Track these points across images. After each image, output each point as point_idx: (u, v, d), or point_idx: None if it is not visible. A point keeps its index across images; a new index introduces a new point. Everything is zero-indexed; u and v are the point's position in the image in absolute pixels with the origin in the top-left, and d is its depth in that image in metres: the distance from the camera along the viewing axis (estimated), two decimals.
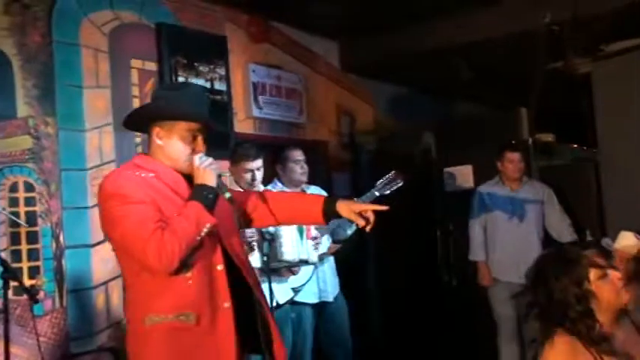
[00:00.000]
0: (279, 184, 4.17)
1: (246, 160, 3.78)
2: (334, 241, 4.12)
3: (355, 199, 3.99)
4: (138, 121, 2.49)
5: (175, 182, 2.34)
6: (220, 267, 2.31)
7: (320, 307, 4.09)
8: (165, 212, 2.24)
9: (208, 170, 2.32)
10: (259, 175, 3.80)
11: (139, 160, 2.40)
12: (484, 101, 7.12)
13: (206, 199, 2.28)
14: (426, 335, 5.73)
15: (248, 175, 3.77)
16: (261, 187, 3.88)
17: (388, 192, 3.97)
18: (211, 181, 2.32)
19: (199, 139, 2.37)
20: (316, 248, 3.72)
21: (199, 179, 2.32)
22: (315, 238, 3.72)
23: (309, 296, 3.99)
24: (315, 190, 4.21)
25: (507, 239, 4.66)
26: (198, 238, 2.23)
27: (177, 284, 2.23)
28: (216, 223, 2.27)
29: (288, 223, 2.91)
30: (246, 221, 2.60)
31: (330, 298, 4.11)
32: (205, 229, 2.24)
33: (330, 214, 2.52)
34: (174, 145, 2.35)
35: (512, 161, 4.68)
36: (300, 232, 3.64)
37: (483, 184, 4.87)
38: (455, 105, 7.55)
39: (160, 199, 2.26)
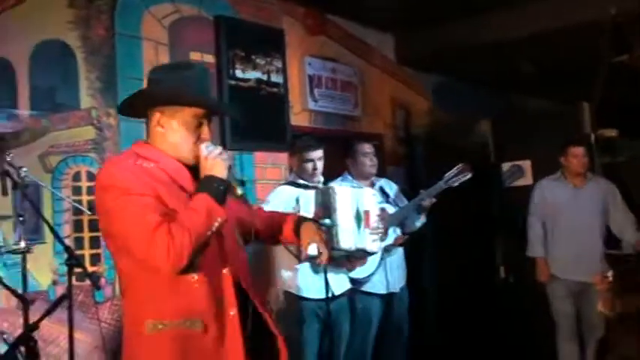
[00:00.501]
0: (349, 177, 4.19)
1: (308, 150, 3.78)
2: (404, 233, 4.14)
3: (422, 190, 3.99)
4: (136, 106, 2.20)
5: (178, 174, 2.10)
6: (226, 270, 2.08)
7: (387, 298, 4.10)
8: (169, 205, 1.99)
9: (218, 160, 2.08)
10: (320, 165, 3.80)
11: (139, 149, 2.13)
12: (544, 95, 6.97)
13: (216, 191, 2.03)
14: (482, 332, 5.65)
15: (309, 165, 3.77)
16: (322, 179, 3.87)
17: (456, 184, 3.95)
18: (221, 172, 2.07)
19: (205, 125, 2.13)
20: (376, 239, 3.66)
21: (207, 170, 2.07)
22: (376, 229, 3.65)
23: (377, 287, 4.01)
24: (384, 183, 4.23)
25: (568, 236, 4.55)
26: (209, 233, 1.99)
27: (182, 287, 1.99)
28: (227, 217, 2.05)
29: (267, 238, 2.56)
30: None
31: (397, 289, 4.13)
32: (217, 224, 2.00)
33: (297, 233, 2.39)
34: (177, 132, 2.10)
35: (576, 156, 4.56)
36: (358, 221, 3.60)
37: (545, 179, 4.76)
38: (513, 98, 7.41)
39: (162, 191, 2.00)
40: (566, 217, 4.57)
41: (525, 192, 5.02)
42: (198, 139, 2.11)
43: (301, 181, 3.80)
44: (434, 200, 3.97)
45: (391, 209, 4.06)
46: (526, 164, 5.66)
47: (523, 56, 6.02)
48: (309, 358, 3.66)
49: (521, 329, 5.37)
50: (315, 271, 3.60)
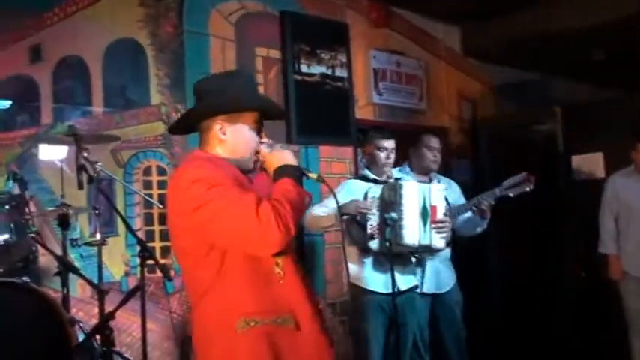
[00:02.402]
0: (408, 169, 4.12)
1: (381, 138, 3.76)
2: (459, 236, 4.02)
3: (478, 197, 3.88)
4: (191, 122, 2.18)
5: (243, 178, 2.09)
6: (297, 261, 2.10)
7: (434, 298, 4.02)
8: None
9: (282, 152, 2.12)
10: (393, 156, 3.77)
11: (202, 155, 2.12)
12: (615, 84, 6.74)
13: (295, 175, 2.06)
14: (551, 329, 5.53)
15: (383, 154, 3.74)
16: (393, 173, 3.85)
17: (512, 195, 3.80)
18: (292, 160, 2.10)
19: (262, 130, 2.17)
20: (443, 235, 3.62)
21: (276, 162, 2.09)
22: (443, 224, 3.60)
23: (423, 286, 3.93)
24: (445, 183, 4.10)
25: None
26: (303, 209, 2.03)
27: (268, 284, 2.00)
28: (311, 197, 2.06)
29: None
30: None
31: (445, 288, 4.03)
32: (307, 201, 2.04)
33: None
34: (241, 137, 2.11)
35: None
36: (425, 217, 3.56)
37: (617, 173, 4.60)
38: (583, 88, 7.20)
39: (244, 186, 2.03)
40: (639, 213, 4.41)
41: (597, 186, 4.88)
42: (260, 142, 2.14)
43: (372, 176, 3.79)
44: (492, 203, 3.84)
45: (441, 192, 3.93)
46: (597, 157, 5.49)
47: (593, 45, 5.83)
48: (374, 350, 3.66)
49: (593, 325, 5.23)
50: (382, 265, 3.60)
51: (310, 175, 2.16)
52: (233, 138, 2.10)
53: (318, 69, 5.06)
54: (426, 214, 3.55)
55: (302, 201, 2.00)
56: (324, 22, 5.18)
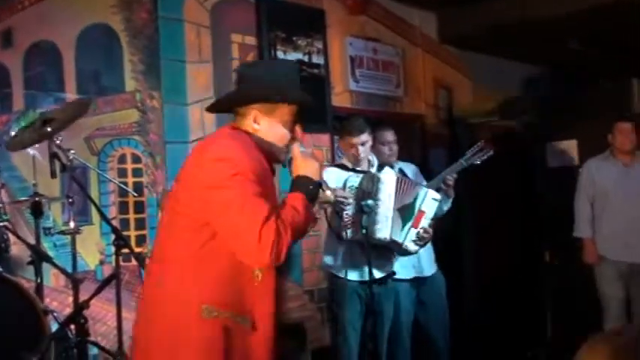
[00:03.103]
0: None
1: (349, 135, 3.74)
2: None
3: (442, 173, 3.90)
4: (229, 103, 2.21)
5: (265, 166, 2.06)
6: (282, 272, 2.10)
7: (417, 282, 4.04)
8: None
9: (312, 161, 2.09)
10: (363, 149, 3.73)
11: (234, 133, 2.08)
12: (591, 72, 6.79)
13: (311, 193, 2.04)
14: (526, 316, 5.59)
15: (352, 150, 3.74)
16: (376, 161, 3.83)
17: (478, 162, 3.87)
18: (315, 175, 2.07)
19: (298, 125, 2.14)
20: (419, 243, 3.60)
21: (301, 170, 2.06)
22: (423, 234, 3.58)
23: (403, 272, 3.94)
24: (403, 165, 4.11)
25: (617, 216, 4.45)
26: (303, 236, 2.02)
27: (241, 280, 1.99)
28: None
29: None
30: None
31: (426, 273, 4.06)
32: (310, 226, 2.03)
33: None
34: (274, 129, 2.09)
35: (624, 133, 4.44)
36: (408, 216, 3.56)
37: (593, 158, 4.65)
38: (559, 76, 7.24)
39: (264, 183, 1.99)
40: (615, 197, 4.46)
41: (571, 172, 4.92)
42: (292, 138, 2.12)
43: (350, 166, 3.78)
44: (455, 177, 3.87)
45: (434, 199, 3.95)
46: (572, 144, 5.54)
47: (569, 33, 5.86)
48: (351, 337, 3.67)
49: (567, 311, 5.29)
50: (356, 253, 3.60)
51: (327, 193, 2.15)
52: (266, 129, 2.08)
53: (294, 56, 5.02)
54: (410, 212, 3.55)
55: (305, 228, 2.00)
56: (300, 8, 5.14)
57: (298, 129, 2.13)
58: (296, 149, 2.10)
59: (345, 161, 3.84)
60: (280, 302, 2.13)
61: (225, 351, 1.96)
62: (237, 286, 1.99)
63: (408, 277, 3.97)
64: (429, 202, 3.61)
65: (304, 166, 2.07)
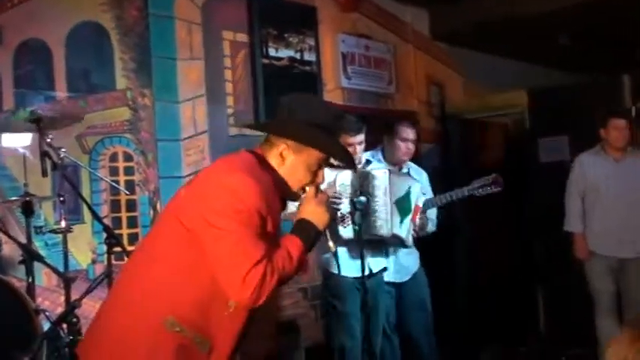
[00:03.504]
0: (380, 155, 4.03)
1: (346, 134, 3.71)
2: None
3: (439, 195, 3.89)
4: (263, 129, 2.22)
5: (275, 201, 2.04)
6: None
7: (398, 285, 4.03)
8: (268, 234, 1.96)
9: (323, 210, 2.06)
10: (360, 149, 3.70)
11: (257, 161, 2.04)
12: (582, 68, 6.82)
13: (310, 242, 2.03)
14: (518, 310, 5.61)
15: (349, 149, 3.72)
16: (364, 155, 3.83)
17: (478, 195, 3.84)
18: (322, 224, 2.05)
19: (322, 170, 2.11)
20: (414, 232, 3.66)
21: (309, 214, 2.04)
22: (418, 226, 3.64)
23: (388, 275, 3.94)
24: (414, 171, 4.08)
25: (608, 211, 4.46)
26: (287, 282, 1.98)
27: (213, 305, 1.94)
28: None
29: None
30: None
31: (407, 277, 4.04)
32: (298, 274, 2.00)
33: None
34: (297, 169, 2.05)
35: (617, 128, 4.45)
36: (405, 209, 3.57)
37: (584, 154, 4.66)
38: (551, 72, 7.27)
39: (269, 218, 1.96)
40: (606, 192, 4.47)
41: (563, 168, 4.93)
42: (312, 182, 2.08)
43: (338, 164, 3.76)
44: (448, 200, 3.88)
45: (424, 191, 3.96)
46: (563, 139, 5.56)
47: (559, 29, 5.87)
48: (354, 327, 3.68)
49: (558, 306, 5.31)
50: (353, 250, 3.60)
51: (330, 244, 2.13)
52: (290, 166, 2.05)
53: (286, 53, 5.02)
54: (408, 206, 3.56)
55: (294, 274, 1.98)
56: (292, 5, 5.13)
57: (321, 174, 2.10)
58: (311, 191, 2.08)
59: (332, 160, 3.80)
60: (248, 340, 2.08)
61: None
62: (208, 309, 1.94)
63: (390, 280, 3.95)
64: (422, 196, 3.64)
65: (314, 212, 2.05)
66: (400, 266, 3.97)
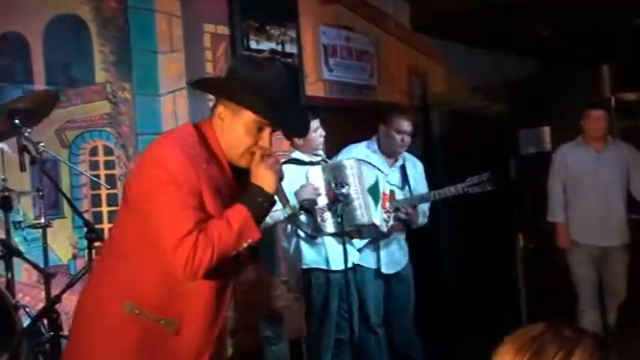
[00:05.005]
0: (375, 146, 4.03)
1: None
2: (404, 222, 4.00)
3: (432, 192, 3.90)
4: (200, 85, 2.23)
5: (223, 171, 1.98)
6: (224, 282, 2.01)
7: (385, 277, 4.03)
8: (207, 206, 1.90)
9: (270, 172, 1.95)
10: (318, 135, 3.73)
11: (204, 131, 1.99)
12: (563, 59, 6.85)
13: (257, 208, 1.92)
14: (501, 300, 5.64)
15: (308, 140, 3.73)
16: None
17: (474, 192, 3.85)
18: (270, 186, 1.94)
19: (266, 132, 1.97)
20: (388, 221, 3.70)
21: (256, 179, 1.95)
22: (387, 212, 3.69)
23: (369, 261, 3.94)
24: (409, 161, 4.09)
25: (589, 201, 4.51)
26: (234, 252, 1.91)
27: (172, 283, 1.92)
28: (259, 237, 1.93)
29: None
30: None
31: (396, 269, 4.04)
32: (245, 245, 1.91)
33: None
34: (235, 131, 1.96)
35: (596, 119, 4.49)
36: (376, 197, 3.61)
37: (565, 145, 4.70)
38: (531, 63, 7.30)
39: (206, 190, 1.90)
40: (587, 182, 4.52)
41: (544, 158, 4.96)
42: (256, 145, 1.97)
43: (307, 158, 3.75)
44: (438, 198, 3.90)
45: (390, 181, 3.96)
46: (545, 130, 5.59)
47: (541, 20, 5.89)
48: (332, 327, 3.69)
49: (541, 296, 5.35)
50: (337, 243, 3.61)
51: (287, 207, 2.05)
52: (229, 129, 1.96)
53: (267, 45, 4.99)
54: (377, 194, 3.60)
55: (237, 245, 1.89)
56: None
57: (265, 136, 1.97)
58: (257, 155, 1.97)
59: (297, 155, 3.78)
60: (221, 318, 2.05)
61: (140, 352, 1.92)
62: (167, 288, 1.92)
63: (373, 267, 3.96)
64: (387, 185, 3.72)
65: (261, 175, 1.95)
66: (391, 258, 3.98)
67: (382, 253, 3.94)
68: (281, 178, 1.99)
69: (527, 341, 1.22)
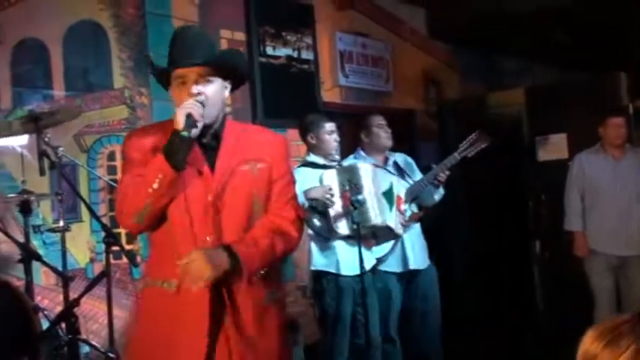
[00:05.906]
0: (362, 154, 4.09)
1: (318, 127, 3.77)
2: (420, 208, 4.03)
3: (433, 165, 3.91)
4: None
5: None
6: (210, 238, 2.07)
7: (407, 276, 4.02)
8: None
9: (179, 110, 1.99)
10: (336, 137, 3.77)
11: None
12: (579, 66, 6.83)
13: (168, 146, 1.99)
14: (517, 308, 5.61)
15: (327, 141, 3.77)
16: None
17: (472, 154, 3.87)
18: (177, 123, 1.98)
19: (188, 84, 2.06)
20: (403, 224, 3.71)
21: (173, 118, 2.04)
22: (403, 212, 3.70)
23: (393, 265, 3.94)
24: (399, 157, 4.13)
25: (607, 209, 4.46)
26: (151, 190, 1.99)
27: (166, 251, 2.09)
28: (172, 174, 1.98)
29: None
30: None
31: (418, 266, 4.03)
32: (156, 183, 1.98)
33: None
34: (175, 97, 2.09)
35: (615, 126, 4.45)
36: (390, 201, 3.61)
37: (583, 152, 4.66)
38: (548, 70, 7.27)
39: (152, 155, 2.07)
40: (605, 190, 4.47)
41: (561, 166, 4.93)
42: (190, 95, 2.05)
43: (322, 161, 3.77)
44: (448, 173, 3.88)
45: (404, 186, 3.96)
46: (562, 137, 5.55)
47: (558, 26, 5.87)
48: (345, 332, 3.68)
49: (557, 304, 5.32)
50: (351, 248, 3.60)
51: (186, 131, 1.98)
52: (173, 98, 2.12)
53: (283, 51, 5.02)
54: (391, 198, 3.60)
55: (145, 193, 2.00)
56: (289, 3, 5.13)
57: (187, 89, 2.05)
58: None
59: (313, 158, 3.80)
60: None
61: (146, 313, 2.18)
62: (167, 254, 2.09)
63: (397, 271, 3.96)
64: (402, 188, 3.74)
65: (175, 115, 2.01)
66: (416, 253, 3.97)
67: (407, 247, 3.93)
68: (187, 113, 1.98)
69: (607, 329, 1.23)
